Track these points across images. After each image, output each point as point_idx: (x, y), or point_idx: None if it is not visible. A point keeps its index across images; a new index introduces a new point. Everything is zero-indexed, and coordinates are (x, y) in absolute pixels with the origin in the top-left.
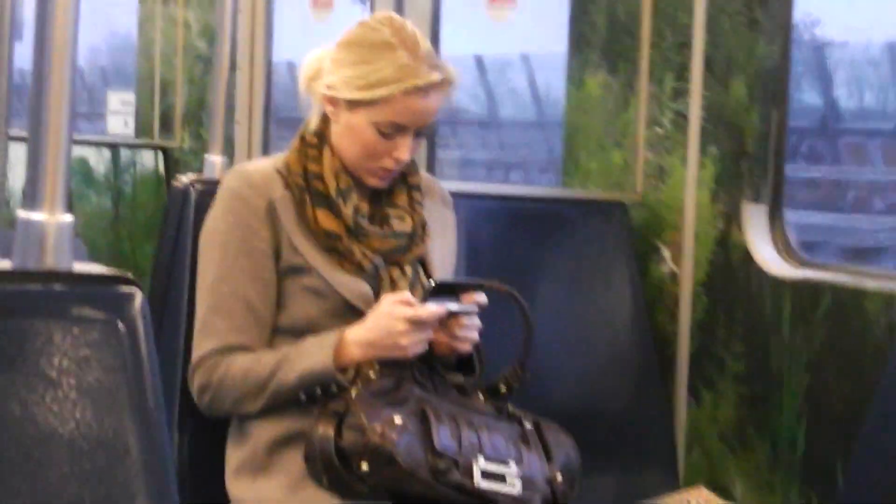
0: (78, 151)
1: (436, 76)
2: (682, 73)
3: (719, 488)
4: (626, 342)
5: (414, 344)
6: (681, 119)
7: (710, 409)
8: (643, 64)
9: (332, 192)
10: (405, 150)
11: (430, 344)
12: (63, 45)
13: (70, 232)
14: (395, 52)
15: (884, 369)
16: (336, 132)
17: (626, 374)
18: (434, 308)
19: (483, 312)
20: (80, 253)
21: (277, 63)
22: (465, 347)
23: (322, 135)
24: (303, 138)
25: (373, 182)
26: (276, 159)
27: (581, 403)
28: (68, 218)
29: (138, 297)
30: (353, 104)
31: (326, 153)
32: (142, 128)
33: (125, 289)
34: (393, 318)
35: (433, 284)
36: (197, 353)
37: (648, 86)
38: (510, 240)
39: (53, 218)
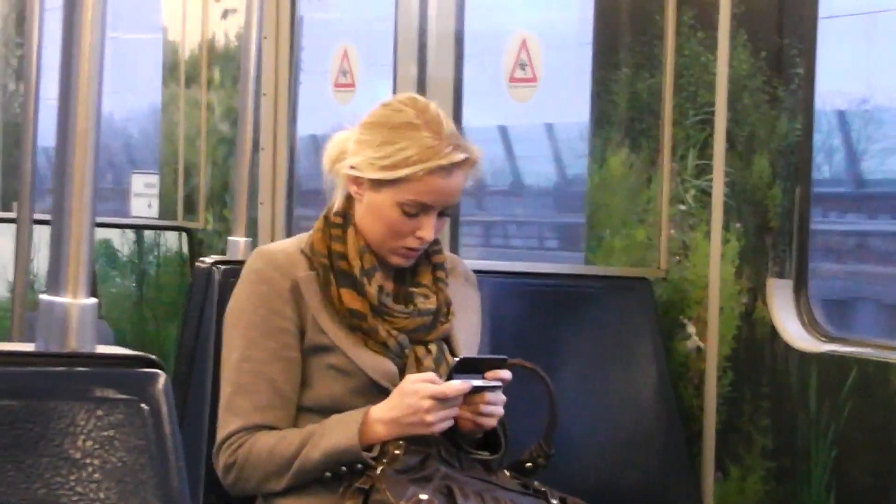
0: (102, 234)
1: (459, 156)
2: (705, 150)
3: None
4: (652, 418)
5: (439, 421)
6: (704, 195)
7: (737, 483)
8: (665, 141)
9: (357, 271)
10: (429, 229)
11: (455, 421)
12: (86, 129)
13: (93, 314)
14: (419, 133)
15: None
16: (360, 212)
17: (652, 449)
18: (458, 384)
19: (508, 389)
20: (104, 334)
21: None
22: (491, 423)
23: (346, 215)
24: (326, 218)
25: (397, 261)
26: (301, 239)
27: (607, 479)
28: (91, 301)
29: (161, 378)
30: (377, 184)
31: (350, 233)
32: (165, 209)
33: (148, 370)
34: (417, 396)
35: (457, 360)
36: (222, 432)
37: (671, 163)
38: (534, 317)
39: (77, 301)
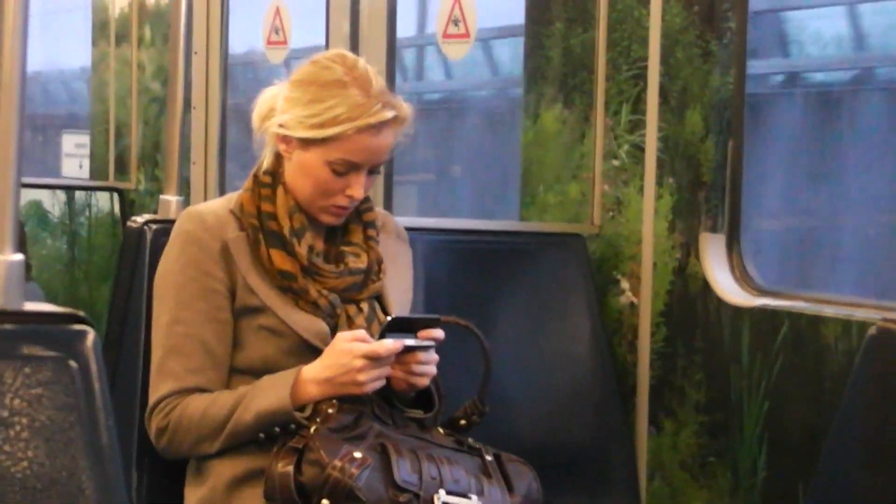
0: (32, 194)
1: (389, 114)
2: (638, 105)
3: None
4: (587, 373)
5: (371, 380)
6: (637, 151)
7: (671, 437)
8: (599, 96)
9: (286, 231)
10: (358, 187)
11: (388, 379)
12: (11, 85)
13: (20, 271)
14: (348, 90)
15: (842, 395)
16: (289, 171)
17: (586, 404)
18: (390, 343)
19: (442, 346)
20: (35, 296)
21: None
22: (423, 382)
23: (275, 174)
24: (256, 178)
25: (327, 220)
26: (230, 199)
27: (542, 435)
28: (18, 257)
29: (90, 335)
30: (306, 143)
31: (280, 192)
32: (97, 169)
33: (77, 327)
34: (349, 355)
35: (389, 320)
36: (154, 395)
37: (604, 118)
38: (468, 274)
39: (3, 257)
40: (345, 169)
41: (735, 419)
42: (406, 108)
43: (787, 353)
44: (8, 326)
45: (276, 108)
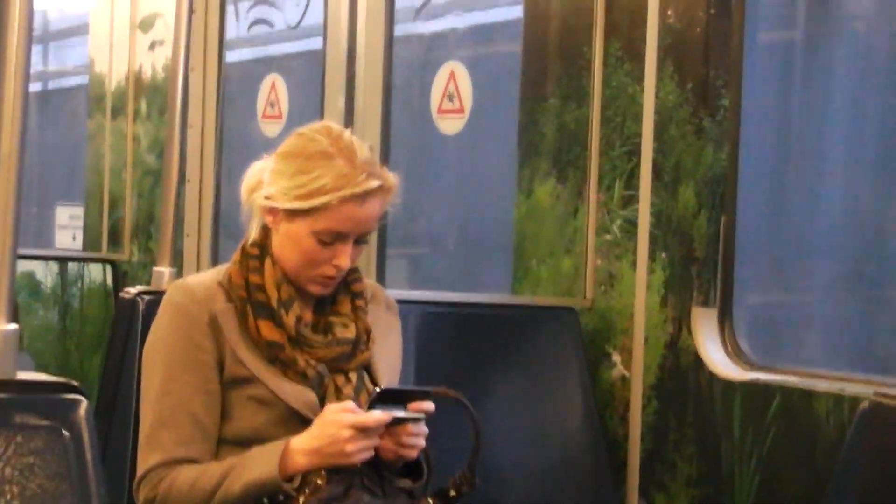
0: (25, 266)
1: (374, 183)
2: (631, 180)
3: None
4: (578, 446)
5: (359, 451)
6: (630, 226)
7: None
8: (592, 172)
9: (274, 302)
10: (345, 257)
11: (377, 451)
12: (10, 158)
13: (14, 341)
14: (333, 161)
15: (834, 469)
16: (276, 242)
17: (578, 477)
18: (379, 415)
19: (433, 417)
20: (26, 366)
21: None
22: (412, 454)
23: (263, 246)
24: (243, 249)
25: (315, 290)
26: (218, 272)
27: None
28: (13, 326)
29: (83, 405)
30: (292, 214)
31: (268, 264)
32: (90, 241)
33: (70, 396)
34: (337, 426)
35: (379, 391)
36: (142, 466)
37: (597, 193)
38: (460, 346)
39: None
40: (331, 239)
41: (727, 493)
42: (391, 178)
43: (779, 427)
44: (1, 395)
45: (263, 181)
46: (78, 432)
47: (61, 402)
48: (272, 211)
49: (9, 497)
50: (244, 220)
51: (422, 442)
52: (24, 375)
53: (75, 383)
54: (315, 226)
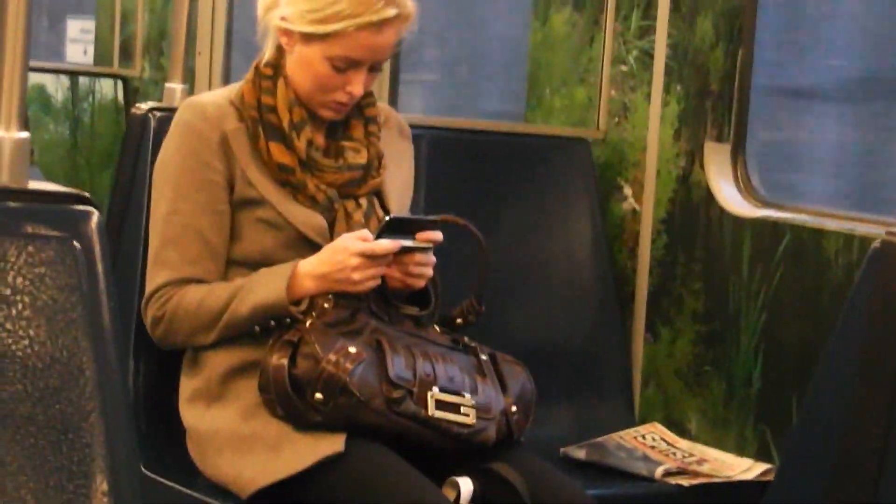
0: (36, 79)
1: (391, 12)
2: (649, 10)
3: (674, 424)
4: (586, 278)
5: (366, 279)
6: (646, 57)
7: (667, 345)
8: (609, 1)
9: (286, 124)
10: (359, 84)
11: (384, 278)
12: None
13: (26, 149)
14: None
15: (840, 309)
16: (290, 64)
17: (584, 309)
18: (387, 244)
19: (441, 246)
20: (36, 180)
21: None
22: (419, 283)
23: (277, 66)
24: (257, 69)
25: (326, 115)
26: (231, 90)
27: (538, 338)
28: (24, 135)
29: (95, 217)
30: (308, 37)
31: (280, 85)
32: (101, 56)
33: (82, 207)
34: (346, 253)
35: (388, 220)
36: (150, 285)
37: (614, 23)
38: (471, 173)
39: (9, 134)
40: (345, 65)
41: (732, 329)
42: (410, 6)
43: (788, 266)
44: (12, 204)
45: (280, 1)
46: (89, 244)
47: (73, 212)
48: (287, 32)
49: (20, 307)
50: (258, 39)
51: (429, 271)
52: (36, 185)
53: (87, 194)
54: (330, 51)
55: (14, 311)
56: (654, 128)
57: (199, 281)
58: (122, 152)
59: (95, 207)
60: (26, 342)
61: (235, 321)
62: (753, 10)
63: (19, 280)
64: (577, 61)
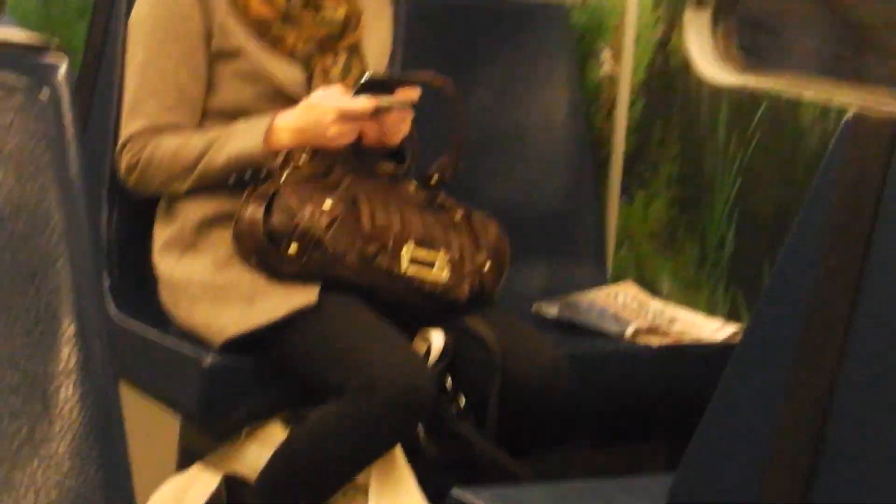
0: None
1: None
2: None
3: (647, 284)
4: (562, 141)
5: (341, 134)
6: None
7: (641, 208)
8: None
9: None
10: None
11: (361, 134)
12: None
13: None
14: None
15: (814, 176)
16: None
17: (560, 171)
18: (363, 101)
19: (418, 105)
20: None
21: None
22: (395, 140)
23: None
24: None
25: None
26: None
27: (514, 198)
28: None
29: (63, 65)
30: None
31: None
32: None
33: (50, 56)
34: (323, 108)
35: (365, 78)
36: (125, 131)
37: None
38: (450, 37)
39: None
40: None
41: (706, 194)
42: None
43: (764, 133)
44: None
45: None
46: (57, 92)
47: (41, 60)
48: None
49: None
50: None
51: (406, 128)
52: (3, 32)
53: (56, 42)
54: None
55: None
56: None
57: (175, 128)
58: (95, 2)
59: (64, 55)
60: None
61: (211, 170)
62: None
63: None
64: None
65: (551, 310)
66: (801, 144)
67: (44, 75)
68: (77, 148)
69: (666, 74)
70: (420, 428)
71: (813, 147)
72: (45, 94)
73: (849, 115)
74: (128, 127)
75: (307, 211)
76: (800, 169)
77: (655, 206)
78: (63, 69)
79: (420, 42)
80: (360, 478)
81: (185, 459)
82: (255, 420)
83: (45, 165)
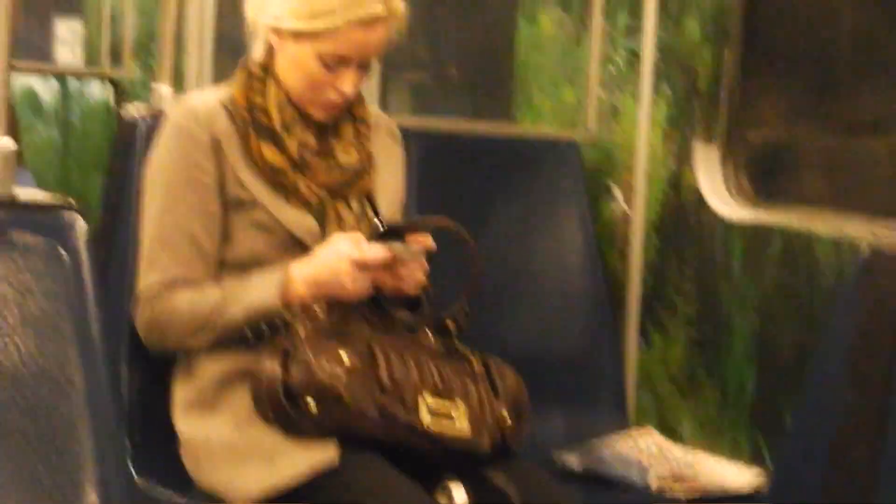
0: (24, 81)
1: (379, 9)
2: (636, 10)
3: (668, 430)
4: (578, 282)
5: (357, 285)
6: (634, 57)
7: (660, 351)
8: (597, 1)
9: (277, 125)
10: (349, 83)
11: (377, 285)
12: None
13: (12, 157)
14: None
15: (832, 313)
16: (281, 64)
17: (576, 314)
18: (379, 251)
19: (432, 252)
20: (27, 184)
21: None
22: (411, 289)
23: (267, 67)
24: (247, 70)
25: (318, 115)
26: (221, 91)
27: (531, 343)
28: (8, 142)
29: (80, 225)
30: (298, 35)
31: (271, 85)
32: (91, 58)
33: (67, 216)
34: (339, 259)
35: (380, 226)
36: (140, 285)
37: (602, 23)
38: (461, 176)
39: None
40: (335, 63)
41: (724, 334)
42: (399, 5)
43: (779, 270)
44: None
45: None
46: (75, 252)
47: (59, 221)
48: (278, 31)
49: (8, 317)
50: (247, 40)
51: (421, 277)
52: (22, 193)
53: (73, 202)
54: (320, 48)
55: (1, 322)
56: (644, 129)
57: (191, 282)
58: (112, 154)
59: (81, 215)
60: (15, 353)
61: (227, 324)
62: (741, 10)
63: (6, 289)
64: (564, 62)
65: (573, 460)
66: (818, 279)
67: (62, 236)
68: (96, 308)
69: (679, 211)
70: None
71: (829, 281)
72: (63, 255)
73: (863, 248)
74: (143, 280)
75: (324, 365)
76: (817, 304)
77: (674, 348)
78: (81, 228)
79: (431, 180)
80: None
81: None
82: None
83: (65, 328)
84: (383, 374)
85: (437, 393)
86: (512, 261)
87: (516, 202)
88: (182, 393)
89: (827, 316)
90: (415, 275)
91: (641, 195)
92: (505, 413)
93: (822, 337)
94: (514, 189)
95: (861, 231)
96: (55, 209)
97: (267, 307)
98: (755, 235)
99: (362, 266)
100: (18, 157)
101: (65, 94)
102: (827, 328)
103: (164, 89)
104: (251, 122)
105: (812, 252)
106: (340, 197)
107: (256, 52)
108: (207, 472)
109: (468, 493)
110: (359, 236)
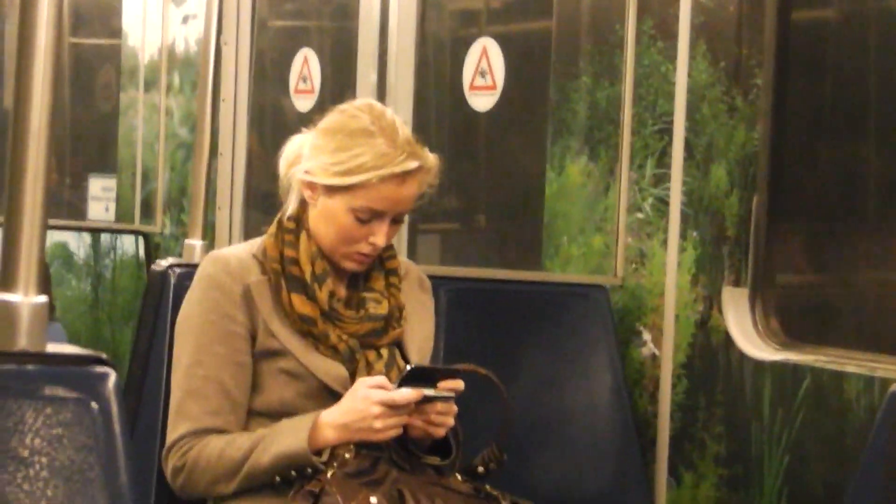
0: (58, 236)
1: (413, 164)
2: (663, 158)
3: None
4: (607, 424)
5: (387, 428)
6: (661, 204)
7: (690, 490)
8: (624, 150)
9: (308, 276)
10: (382, 236)
11: (406, 427)
12: (39, 129)
13: (44, 313)
14: (374, 139)
15: (863, 451)
16: (313, 217)
17: (606, 455)
18: (408, 393)
19: (462, 395)
20: (59, 337)
21: None
22: (440, 433)
23: (299, 219)
24: (280, 223)
25: (349, 266)
26: (253, 244)
27: (561, 485)
28: (42, 299)
29: (111, 377)
30: (331, 190)
31: (303, 238)
32: (123, 213)
33: (98, 369)
34: (367, 402)
35: (409, 369)
36: (171, 436)
37: (629, 171)
38: (490, 323)
39: (27, 299)
40: (368, 217)
41: (755, 473)
42: (431, 159)
43: (809, 408)
44: (31, 367)
45: (303, 155)
46: (106, 405)
47: (89, 374)
48: (311, 185)
49: (38, 468)
50: (281, 194)
51: (451, 420)
52: (53, 348)
53: (103, 356)
54: (353, 203)
55: (32, 473)
56: (672, 274)
57: (220, 431)
58: (142, 307)
59: (112, 368)
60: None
61: (256, 471)
62: (767, 157)
63: (37, 441)
64: (593, 210)
65: None
66: (848, 418)
67: (93, 389)
68: (127, 460)
69: (707, 352)
70: None
71: (860, 420)
72: (94, 407)
73: (894, 386)
74: (174, 430)
75: None
76: (848, 443)
77: (704, 488)
78: (112, 381)
79: (460, 327)
80: None
81: None
82: None
83: (94, 479)
84: None
85: None
86: (543, 404)
87: (546, 346)
88: None
89: (858, 454)
90: (444, 417)
91: (670, 338)
92: None
93: (854, 476)
94: (544, 334)
95: (892, 370)
96: (86, 363)
97: (295, 453)
98: (784, 374)
99: (391, 406)
100: (50, 311)
101: (96, 248)
102: (859, 467)
103: (195, 244)
104: (283, 273)
105: (841, 390)
106: (371, 346)
107: (289, 206)
108: None
109: None
110: (383, 378)
